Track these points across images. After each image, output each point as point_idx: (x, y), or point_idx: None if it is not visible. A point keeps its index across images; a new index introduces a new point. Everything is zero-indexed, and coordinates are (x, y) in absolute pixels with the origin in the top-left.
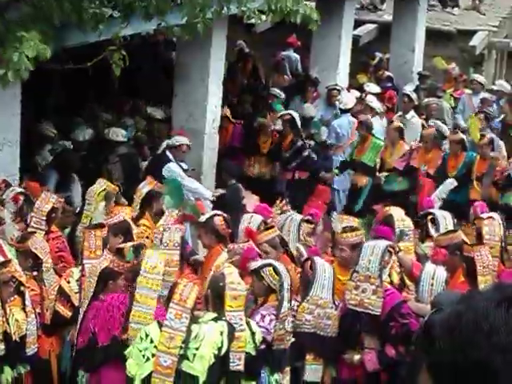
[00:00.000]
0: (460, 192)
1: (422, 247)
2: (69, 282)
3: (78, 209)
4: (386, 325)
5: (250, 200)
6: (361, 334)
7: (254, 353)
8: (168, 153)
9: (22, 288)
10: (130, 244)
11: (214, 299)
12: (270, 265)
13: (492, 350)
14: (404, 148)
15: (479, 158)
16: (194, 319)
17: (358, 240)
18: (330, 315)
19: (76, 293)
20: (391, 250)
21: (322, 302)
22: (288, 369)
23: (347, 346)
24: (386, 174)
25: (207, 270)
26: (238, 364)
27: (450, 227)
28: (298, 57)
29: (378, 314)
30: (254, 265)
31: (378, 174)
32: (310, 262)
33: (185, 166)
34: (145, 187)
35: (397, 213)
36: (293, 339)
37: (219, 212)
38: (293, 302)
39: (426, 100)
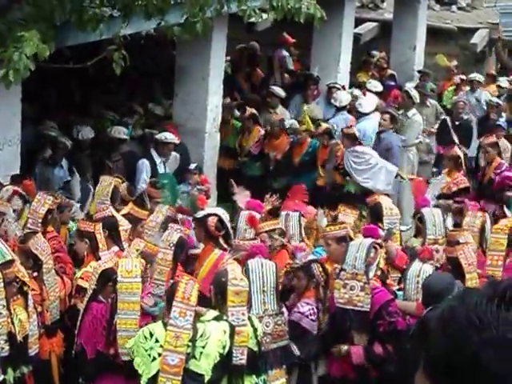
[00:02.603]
0: (305, 178)
1: (412, 241)
2: None
3: (79, 205)
4: (375, 323)
5: (242, 195)
6: (350, 332)
7: (255, 348)
8: (152, 149)
9: (25, 288)
10: (137, 245)
11: (217, 295)
12: (244, 265)
13: (483, 345)
14: (259, 133)
15: (321, 145)
16: (197, 316)
17: (342, 232)
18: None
19: None
20: (377, 246)
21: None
22: (279, 371)
23: (337, 343)
24: (245, 158)
25: (199, 266)
26: (240, 358)
27: (440, 225)
28: (287, 55)
29: (368, 310)
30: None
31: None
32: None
33: (192, 166)
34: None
35: (385, 201)
36: (284, 342)
37: (217, 212)
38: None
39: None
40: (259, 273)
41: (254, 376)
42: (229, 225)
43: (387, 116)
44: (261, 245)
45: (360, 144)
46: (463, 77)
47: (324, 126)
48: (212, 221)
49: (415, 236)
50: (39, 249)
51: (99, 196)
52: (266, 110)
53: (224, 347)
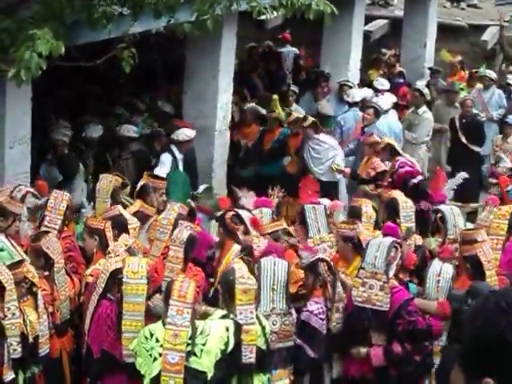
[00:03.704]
0: (273, 166)
1: (430, 241)
2: None
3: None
4: (394, 322)
5: (248, 197)
6: (368, 331)
7: (264, 347)
8: (172, 145)
9: (34, 289)
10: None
11: (224, 293)
12: (256, 262)
13: (510, 327)
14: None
15: (292, 133)
16: (204, 315)
17: (350, 233)
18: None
19: None
20: (397, 245)
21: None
22: (283, 372)
23: (355, 343)
24: None
25: (218, 263)
26: (249, 357)
27: (460, 223)
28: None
29: (387, 309)
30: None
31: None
32: None
33: (201, 188)
34: (140, 182)
35: (399, 195)
36: (291, 343)
37: (236, 209)
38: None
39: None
40: (271, 270)
41: (261, 374)
42: (247, 221)
43: (371, 110)
44: (277, 244)
45: (322, 132)
46: (470, 71)
47: (294, 115)
48: (229, 216)
49: (432, 235)
50: (51, 248)
51: (99, 194)
52: (281, 107)
53: (226, 344)
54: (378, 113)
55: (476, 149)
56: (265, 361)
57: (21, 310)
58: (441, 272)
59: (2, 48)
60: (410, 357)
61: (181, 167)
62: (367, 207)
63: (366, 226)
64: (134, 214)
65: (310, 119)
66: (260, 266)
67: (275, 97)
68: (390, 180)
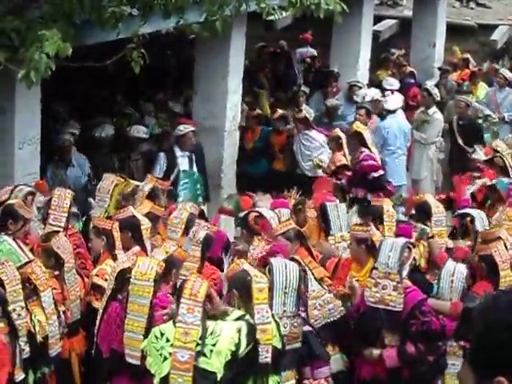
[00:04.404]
0: (259, 163)
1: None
2: (106, 280)
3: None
4: (407, 322)
5: (264, 200)
6: (381, 332)
7: (279, 346)
8: (174, 144)
9: (38, 290)
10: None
11: (242, 295)
12: (267, 264)
13: None
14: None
15: (274, 131)
16: (223, 315)
17: (363, 235)
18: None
19: None
20: (410, 246)
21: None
22: (291, 373)
23: (367, 343)
24: None
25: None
26: (266, 356)
27: (487, 227)
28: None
29: (400, 310)
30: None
31: None
32: None
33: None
34: (146, 185)
35: (431, 199)
36: (298, 345)
37: (257, 209)
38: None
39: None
40: (283, 273)
41: (274, 376)
42: (273, 221)
43: (363, 111)
44: (282, 244)
45: (313, 129)
46: (473, 69)
47: (280, 111)
48: (251, 217)
49: (462, 238)
50: (61, 247)
51: (99, 193)
52: (291, 108)
53: (237, 345)
54: (369, 113)
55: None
56: (279, 361)
57: (28, 309)
58: (454, 272)
59: (12, 48)
60: (423, 357)
61: (182, 165)
62: (388, 206)
63: (388, 225)
64: (146, 215)
65: (304, 113)
66: (272, 268)
67: (262, 91)
68: (350, 173)
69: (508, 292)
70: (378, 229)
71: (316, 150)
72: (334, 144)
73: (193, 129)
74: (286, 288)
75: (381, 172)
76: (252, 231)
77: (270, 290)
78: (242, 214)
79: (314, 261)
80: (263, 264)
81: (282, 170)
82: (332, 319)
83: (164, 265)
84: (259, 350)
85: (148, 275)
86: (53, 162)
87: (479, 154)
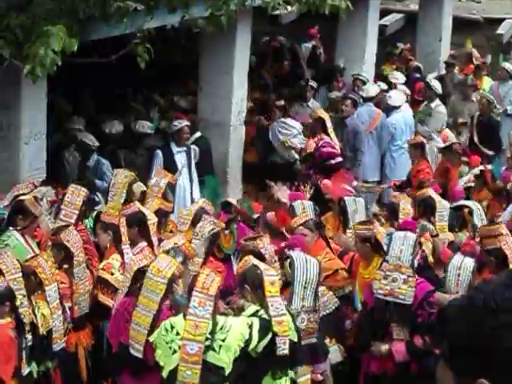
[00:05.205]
0: None
1: (461, 237)
2: (112, 274)
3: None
4: (415, 313)
5: (282, 191)
6: (389, 326)
7: (295, 339)
8: (171, 141)
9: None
10: (173, 242)
11: (255, 289)
12: (288, 258)
13: (499, 328)
14: None
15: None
16: (240, 310)
17: (367, 234)
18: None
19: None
20: (421, 240)
21: None
22: (306, 368)
23: (375, 337)
24: None
25: None
26: (283, 349)
27: (483, 218)
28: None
29: (409, 303)
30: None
31: None
32: None
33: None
34: (162, 180)
35: (433, 193)
36: (313, 340)
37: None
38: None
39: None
40: (303, 268)
41: (291, 370)
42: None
43: (349, 102)
44: (300, 237)
45: (289, 117)
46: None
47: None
48: (271, 216)
49: (459, 230)
50: (71, 241)
51: (113, 189)
52: (298, 103)
53: (247, 342)
54: (355, 104)
55: (486, 151)
56: (295, 354)
57: (31, 301)
58: (461, 266)
59: (17, 44)
60: (431, 349)
61: (180, 162)
62: (405, 204)
63: None
64: (156, 212)
65: (282, 101)
66: (293, 263)
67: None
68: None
69: (483, 290)
70: (393, 226)
71: (292, 137)
72: (310, 130)
73: (187, 123)
74: (305, 283)
75: (339, 159)
76: (273, 230)
77: (291, 284)
78: (256, 216)
79: (332, 252)
80: (281, 257)
81: (254, 161)
82: (327, 311)
83: (182, 267)
84: (277, 342)
85: (164, 273)
86: (68, 150)
87: (437, 142)
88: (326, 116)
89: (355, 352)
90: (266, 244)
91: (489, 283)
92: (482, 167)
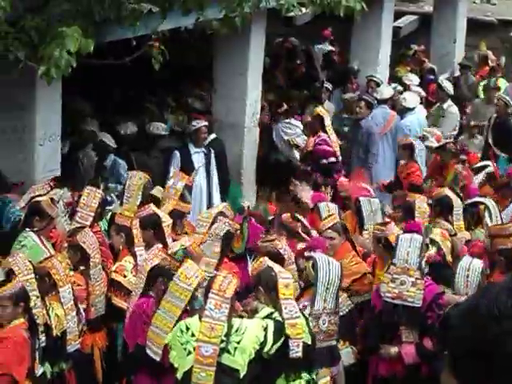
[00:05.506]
0: None
1: (478, 234)
2: (125, 276)
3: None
4: (425, 315)
5: (306, 191)
6: (398, 329)
7: (309, 342)
8: (189, 142)
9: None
10: (180, 244)
11: (269, 291)
12: (311, 258)
13: (503, 335)
14: None
15: None
16: (252, 313)
17: (380, 234)
18: None
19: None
20: (427, 243)
21: None
22: (326, 370)
23: (383, 340)
24: None
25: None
26: (296, 351)
27: (498, 216)
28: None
29: (419, 305)
30: (306, 253)
31: None
32: None
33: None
34: (179, 183)
35: (451, 193)
36: (333, 342)
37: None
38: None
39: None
40: (326, 270)
41: (307, 372)
42: (304, 219)
43: (363, 103)
44: (320, 238)
45: (292, 117)
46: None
47: None
48: (286, 217)
49: (475, 227)
50: (87, 242)
51: (129, 191)
52: (312, 104)
53: (262, 344)
54: (370, 105)
55: (499, 153)
56: (310, 357)
57: (45, 302)
58: (470, 267)
59: (32, 45)
60: (440, 352)
61: (197, 162)
62: (420, 202)
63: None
64: (171, 213)
65: (285, 106)
66: (316, 264)
67: None
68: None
69: (487, 297)
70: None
71: (297, 136)
72: (309, 128)
73: (206, 123)
74: (328, 284)
75: (332, 159)
76: (289, 231)
77: (314, 285)
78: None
79: (358, 255)
80: (302, 257)
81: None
82: (341, 314)
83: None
84: (290, 344)
85: (191, 280)
86: (83, 151)
87: (431, 141)
88: (325, 113)
89: (363, 354)
90: (284, 245)
91: (493, 288)
92: (482, 163)
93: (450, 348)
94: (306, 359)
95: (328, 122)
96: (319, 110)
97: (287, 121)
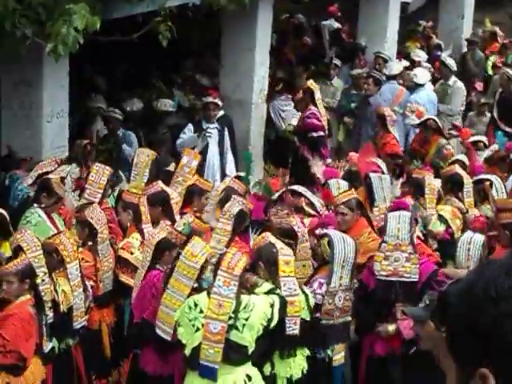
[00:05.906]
0: None
1: (485, 210)
2: (132, 253)
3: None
4: (423, 293)
5: (318, 166)
6: (394, 307)
7: (308, 318)
8: (203, 119)
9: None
10: (186, 219)
11: (269, 267)
12: (326, 235)
13: (500, 317)
14: None
15: None
16: (252, 288)
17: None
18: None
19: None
20: (417, 218)
21: None
22: (341, 345)
23: (379, 319)
24: None
25: None
26: (293, 329)
27: (504, 191)
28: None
29: (416, 280)
30: (318, 231)
31: None
32: None
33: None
34: (193, 161)
35: (461, 170)
36: (348, 318)
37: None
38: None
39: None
40: (342, 247)
41: (305, 349)
42: (309, 195)
43: (371, 80)
44: (331, 214)
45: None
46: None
47: None
48: (288, 195)
49: (481, 203)
50: (95, 218)
51: (136, 168)
52: (322, 81)
53: (269, 320)
54: (378, 82)
55: (504, 127)
56: (308, 333)
57: (52, 278)
58: (471, 241)
59: (39, 22)
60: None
61: (210, 138)
62: (430, 179)
63: (430, 199)
64: (189, 187)
65: (280, 85)
66: (332, 241)
67: None
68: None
69: (484, 277)
70: (418, 201)
71: (292, 115)
72: (300, 102)
73: (213, 100)
74: (343, 261)
75: (321, 133)
76: (294, 207)
77: (330, 262)
78: (275, 196)
79: (374, 231)
80: (313, 236)
81: None
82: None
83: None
84: (286, 321)
85: (198, 258)
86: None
87: (412, 119)
88: (315, 87)
89: (357, 335)
90: (298, 222)
91: (491, 267)
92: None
93: (448, 325)
94: (304, 336)
95: (318, 95)
96: (310, 83)
97: (282, 98)
